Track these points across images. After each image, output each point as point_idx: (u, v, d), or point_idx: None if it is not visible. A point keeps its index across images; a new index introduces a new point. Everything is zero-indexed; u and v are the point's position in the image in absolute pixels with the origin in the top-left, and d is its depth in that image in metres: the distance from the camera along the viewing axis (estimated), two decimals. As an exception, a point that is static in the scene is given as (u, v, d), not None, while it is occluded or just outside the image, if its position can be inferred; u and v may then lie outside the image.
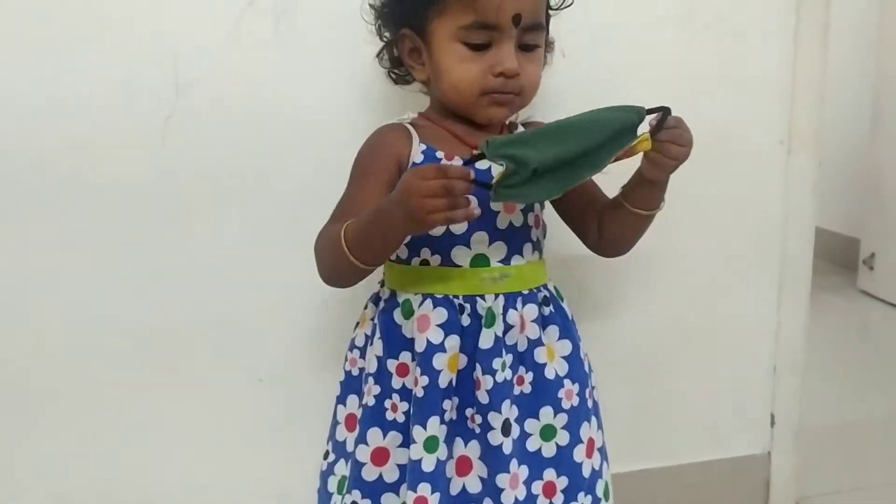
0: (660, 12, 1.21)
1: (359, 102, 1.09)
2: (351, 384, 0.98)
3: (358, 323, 1.00)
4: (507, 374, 0.90)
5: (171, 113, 1.08)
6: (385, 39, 0.97)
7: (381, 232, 0.82)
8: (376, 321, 0.94)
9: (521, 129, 0.98)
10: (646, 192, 0.92)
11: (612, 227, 0.98)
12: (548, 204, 1.00)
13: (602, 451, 1.00)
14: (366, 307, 0.99)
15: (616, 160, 0.82)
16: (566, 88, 1.15)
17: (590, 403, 0.98)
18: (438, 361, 0.88)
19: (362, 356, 0.97)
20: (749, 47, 1.25)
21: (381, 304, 0.95)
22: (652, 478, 1.36)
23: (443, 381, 0.88)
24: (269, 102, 1.10)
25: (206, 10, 1.07)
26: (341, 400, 0.99)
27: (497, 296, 0.90)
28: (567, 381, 0.94)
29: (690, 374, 1.36)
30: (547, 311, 0.95)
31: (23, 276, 1.09)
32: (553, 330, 0.95)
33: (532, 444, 0.93)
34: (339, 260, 0.84)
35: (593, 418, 0.98)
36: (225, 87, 1.09)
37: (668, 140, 0.86)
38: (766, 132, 1.30)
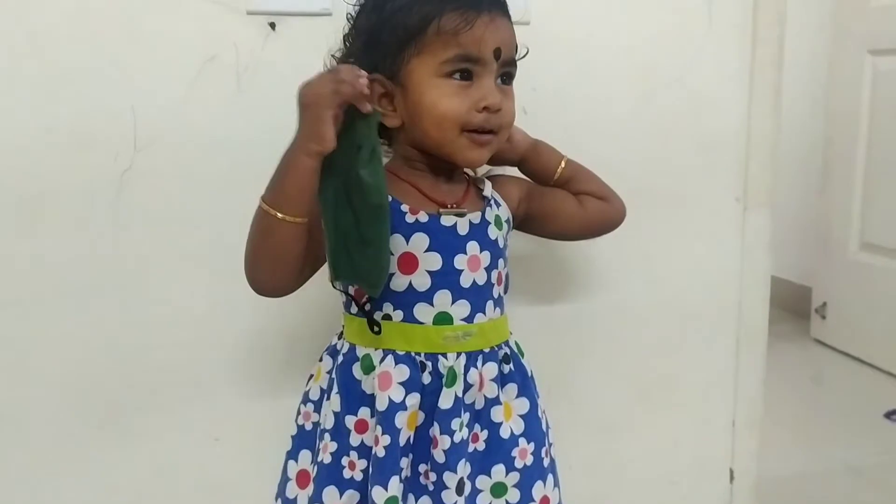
0: (618, 73, 1.23)
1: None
2: (304, 438, 0.96)
3: (312, 375, 0.98)
4: (464, 433, 0.89)
5: (129, 167, 1.07)
6: None
7: (290, 155, 0.81)
8: (333, 375, 0.92)
9: (487, 184, 0.98)
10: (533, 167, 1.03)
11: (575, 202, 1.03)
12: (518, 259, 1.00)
13: None
14: (321, 359, 0.97)
15: None
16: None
17: (546, 462, 0.97)
18: (400, 420, 0.86)
19: (317, 410, 0.95)
20: (705, 108, 1.28)
21: (340, 358, 0.92)
22: (613, 535, 1.35)
23: (403, 440, 0.87)
24: (229, 159, 1.09)
25: (167, 65, 1.06)
26: (292, 455, 0.97)
27: (459, 354, 0.89)
28: (522, 440, 0.94)
29: (650, 430, 1.36)
30: (507, 368, 0.94)
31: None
32: (511, 388, 0.94)
33: (482, 500, 0.92)
34: (259, 223, 0.83)
35: (549, 476, 0.97)
36: (185, 143, 1.08)
37: None
38: (723, 190, 1.32)
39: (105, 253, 1.08)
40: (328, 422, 0.91)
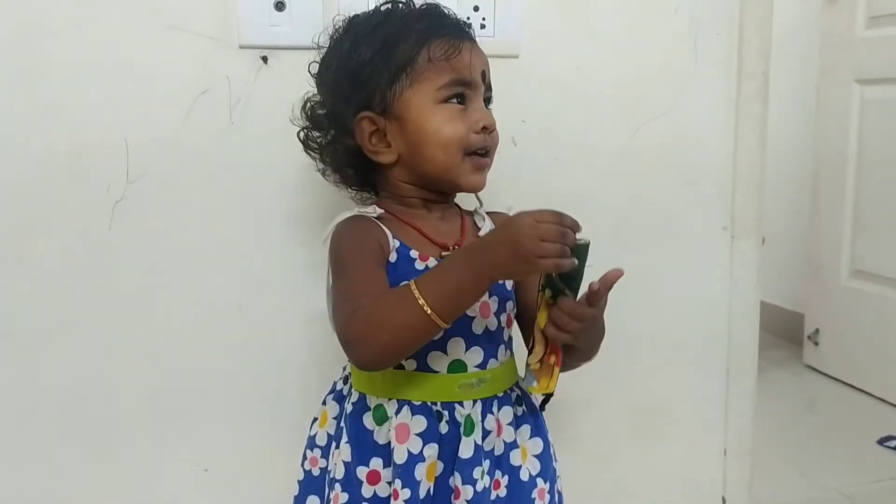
0: (606, 107, 1.24)
1: (313, 192, 1.10)
2: (311, 484, 0.94)
3: (316, 419, 0.96)
4: (486, 481, 0.87)
5: (121, 198, 1.07)
6: (316, 145, 0.96)
7: (474, 275, 0.76)
8: (343, 424, 0.90)
9: (487, 220, 0.97)
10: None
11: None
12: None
13: None
14: (324, 402, 0.96)
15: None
16: (517, 175, 1.17)
17: (556, 498, 0.97)
18: (419, 472, 0.85)
19: (324, 456, 0.93)
20: (691, 141, 1.29)
21: (349, 407, 0.90)
22: (604, 565, 1.34)
23: (423, 492, 0.85)
24: (221, 191, 1.10)
25: (160, 98, 1.07)
26: (300, 500, 0.95)
27: (475, 402, 0.88)
28: (539, 480, 0.92)
29: (641, 459, 1.35)
30: (520, 410, 0.93)
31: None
32: (525, 429, 0.93)
33: None
34: (415, 325, 0.77)
35: None
36: (177, 175, 1.08)
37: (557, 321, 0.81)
38: (710, 220, 1.33)
39: (96, 284, 1.09)
40: (338, 472, 0.88)
